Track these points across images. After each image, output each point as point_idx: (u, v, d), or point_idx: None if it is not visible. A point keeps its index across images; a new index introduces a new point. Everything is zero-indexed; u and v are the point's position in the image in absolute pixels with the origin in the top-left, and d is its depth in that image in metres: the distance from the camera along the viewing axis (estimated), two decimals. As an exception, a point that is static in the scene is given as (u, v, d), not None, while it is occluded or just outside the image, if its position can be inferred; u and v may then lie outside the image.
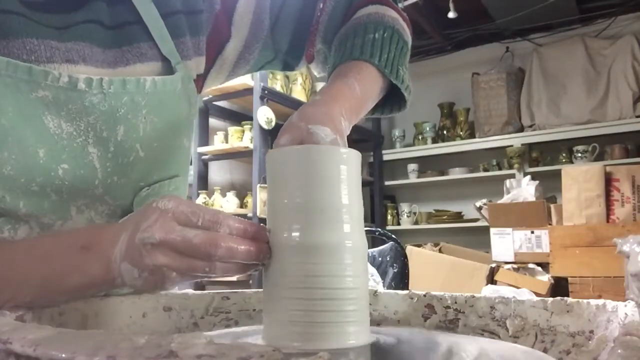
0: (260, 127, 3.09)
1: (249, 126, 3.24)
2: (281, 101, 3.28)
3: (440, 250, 2.88)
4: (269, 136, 3.13)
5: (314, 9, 0.77)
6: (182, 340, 0.28)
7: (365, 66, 0.67)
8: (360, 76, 0.65)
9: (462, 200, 4.20)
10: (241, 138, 3.33)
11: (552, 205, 2.44)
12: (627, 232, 1.73)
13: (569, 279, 2.21)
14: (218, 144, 3.37)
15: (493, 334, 0.57)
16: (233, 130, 3.38)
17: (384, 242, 1.92)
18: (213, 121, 3.56)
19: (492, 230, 2.55)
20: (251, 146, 3.14)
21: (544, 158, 3.97)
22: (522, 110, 4.00)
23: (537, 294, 2.11)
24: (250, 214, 3.17)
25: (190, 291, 0.64)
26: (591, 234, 2.18)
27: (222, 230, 0.46)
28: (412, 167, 4.39)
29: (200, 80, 0.75)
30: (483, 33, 4.15)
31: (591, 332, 0.50)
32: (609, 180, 2.22)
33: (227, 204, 3.34)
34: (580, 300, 0.52)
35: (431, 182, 4.36)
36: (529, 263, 2.41)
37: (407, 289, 0.88)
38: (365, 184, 4.03)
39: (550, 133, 3.85)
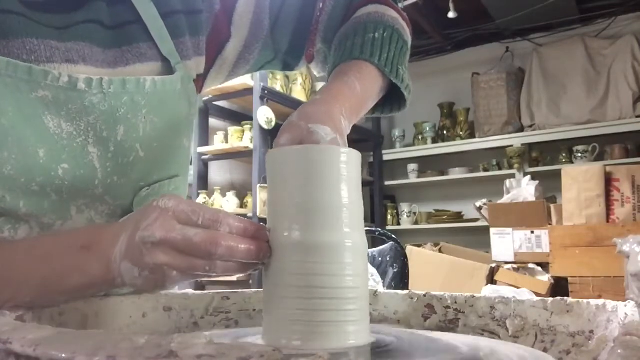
0: (260, 127, 3.09)
1: (249, 126, 3.24)
2: (281, 101, 3.28)
3: (440, 250, 2.88)
4: (269, 136, 3.13)
5: (314, 9, 0.77)
6: (182, 340, 0.28)
7: (366, 65, 0.67)
8: (360, 75, 0.65)
9: (462, 200, 4.19)
10: (241, 138, 3.33)
11: (552, 205, 2.44)
12: (627, 232, 1.73)
13: (569, 279, 2.21)
14: (218, 144, 3.37)
15: (493, 334, 0.57)
16: (233, 130, 3.38)
17: (384, 242, 1.92)
18: (213, 121, 3.55)
19: (492, 230, 2.55)
20: (251, 146, 3.14)
21: (544, 158, 3.97)
22: (522, 110, 4.00)
23: (537, 294, 2.11)
24: (250, 214, 3.17)
25: (190, 291, 0.64)
26: (591, 234, 2.18)
27: (222, 229, 0.46)
28: (412, 167, 4.39)
29: (200, 80, 0.75)
30: (483, 33, 4.15)
31: (591, 332, 0.50)
32: (609, 180, 2.22)
33: (227, 204, 3.34)
34: (580, 300, 0.52)
35: (431, 182, 4.36)
36: (529, 263, 2.40)
37: (407, 289, 0.88)
38: (365, 184, 4.03)
39: (550, 133, 3.85)
